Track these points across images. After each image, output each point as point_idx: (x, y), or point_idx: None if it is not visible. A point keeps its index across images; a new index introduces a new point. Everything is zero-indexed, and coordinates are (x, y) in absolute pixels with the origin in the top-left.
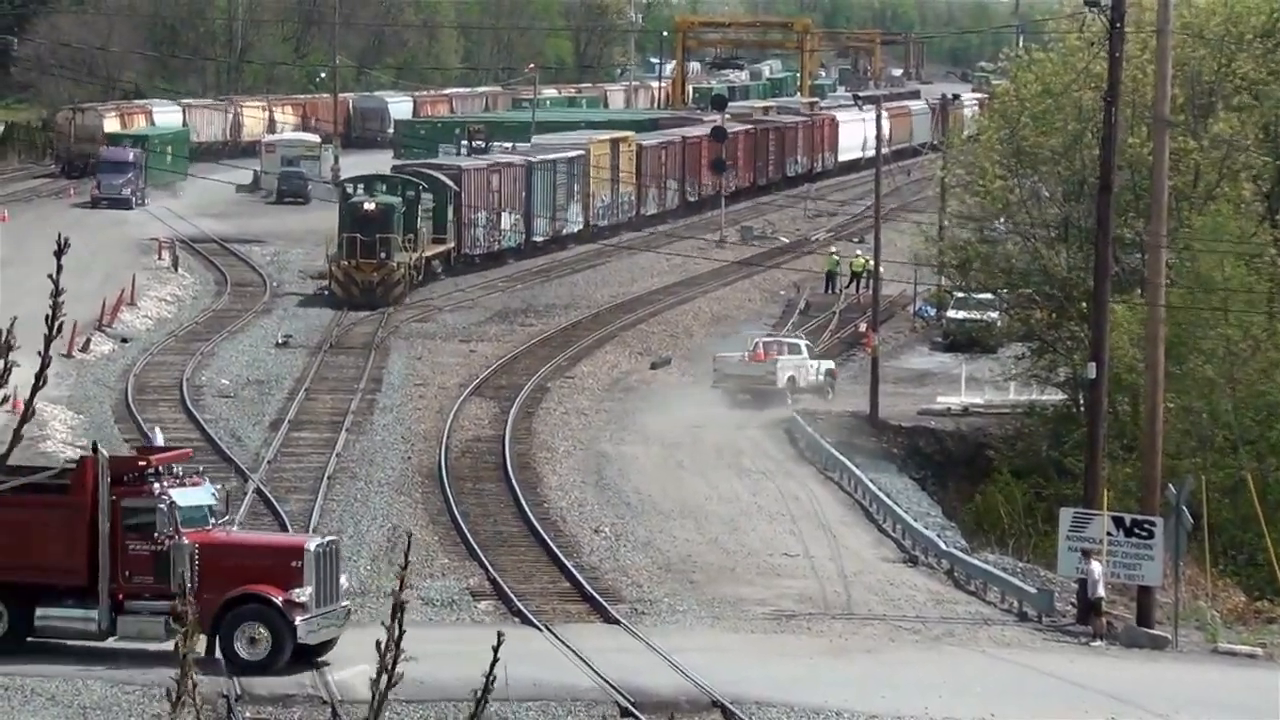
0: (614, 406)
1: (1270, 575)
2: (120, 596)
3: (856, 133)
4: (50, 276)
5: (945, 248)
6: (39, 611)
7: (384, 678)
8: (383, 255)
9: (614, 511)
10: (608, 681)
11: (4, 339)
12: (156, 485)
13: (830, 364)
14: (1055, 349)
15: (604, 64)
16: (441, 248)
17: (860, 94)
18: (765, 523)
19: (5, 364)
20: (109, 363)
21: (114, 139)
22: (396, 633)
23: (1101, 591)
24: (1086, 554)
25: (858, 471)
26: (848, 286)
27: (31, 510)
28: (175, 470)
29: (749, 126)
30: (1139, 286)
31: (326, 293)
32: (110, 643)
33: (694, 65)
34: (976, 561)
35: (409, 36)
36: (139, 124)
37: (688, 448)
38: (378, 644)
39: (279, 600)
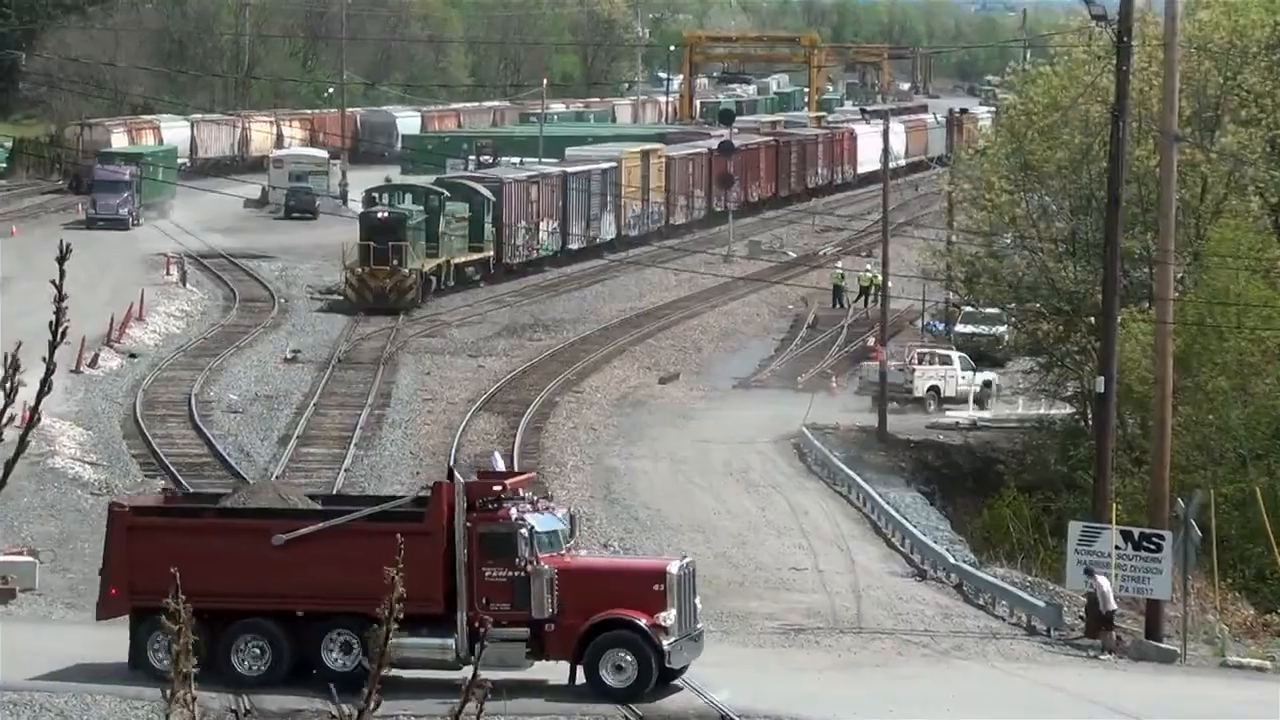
0: (622, 421)
1: (1279, 589)
2: (476, 624)
3: (875, 145)
4: (53, 283)
5: (953, 262)
6: (393, 641)
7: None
8: (395, 262)
9: (622, 526)
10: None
11: (11, 359)
12: (514, 510)
13: (991, 375)
14: (1064, 363)
15: (612, 79)
16: (478, 255)
17: (868, 108)
18: (774, 537)
19: (13, 384)
20: (117, 378)
21: (105, 157)
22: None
23: (1113, 605)
24: (1093, 571)
25: (866, 486)
26: (856, 301)
27: (385, 539)
28: (528, 495)
29: (770, 139)
30: (1147, 300)
31: (341, 297)
32: (466, 672)
33: (701, 80)
34: (985, 575)
35: (416, 51)
36: (148, 140)
37: (696, 463)
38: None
39: (645, 625)
